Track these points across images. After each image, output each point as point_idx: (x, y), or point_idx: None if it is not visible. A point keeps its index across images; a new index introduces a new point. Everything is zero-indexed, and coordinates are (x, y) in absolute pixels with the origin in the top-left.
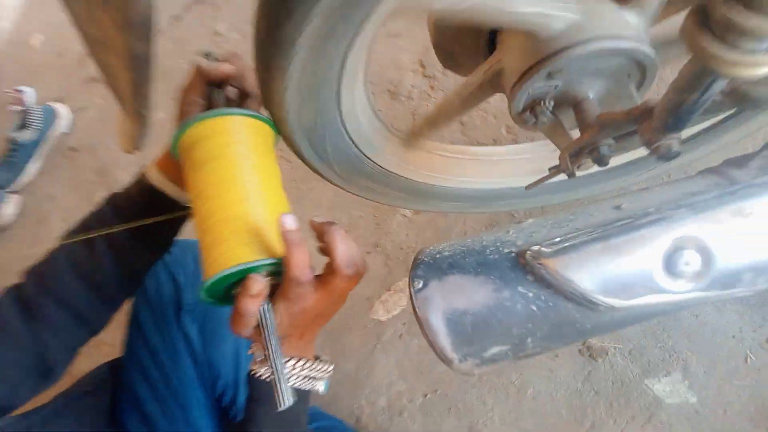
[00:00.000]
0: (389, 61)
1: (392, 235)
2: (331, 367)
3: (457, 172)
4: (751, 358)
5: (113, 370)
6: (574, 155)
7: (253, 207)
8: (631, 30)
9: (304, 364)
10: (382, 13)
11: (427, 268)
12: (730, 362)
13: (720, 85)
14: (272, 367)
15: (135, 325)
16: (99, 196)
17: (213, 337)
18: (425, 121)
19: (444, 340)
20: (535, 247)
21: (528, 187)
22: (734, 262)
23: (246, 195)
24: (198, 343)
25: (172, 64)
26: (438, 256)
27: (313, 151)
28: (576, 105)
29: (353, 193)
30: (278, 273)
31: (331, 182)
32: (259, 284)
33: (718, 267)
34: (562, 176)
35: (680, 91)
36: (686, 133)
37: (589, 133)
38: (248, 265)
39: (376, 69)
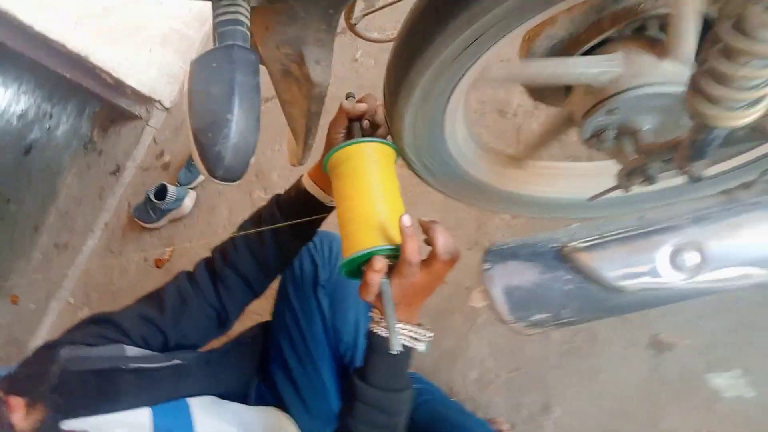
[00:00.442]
0: None
1: (491, 235)
2: (431, 334)
3: (543, 184)
4: None
5: (264, 330)
6: (628, 174)
7: (379, 208)
8: (669, 75)
9: (410, 326)
10: (466, 84)
11: (493, 255)
12: None
13: (720, 131)
14: (387, 323)
15: (282, 295)
16: (256, 192)
17: (339, 308)
18: (526, 147)
19: (502, 306)
20: (572, 243)
21: (590, 199)
22: (725, 261)
23: (374, 200)
24: (328, 312)
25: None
26: (503, 247)
27: (423, 166)
28: (633, 134)
29: (455, 198)
30: (395, 257)
31: (436, 190)
32: (381, 263)
33: (712, 265)
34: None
35: (694, 131)
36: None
37: (639, 158)
38: (375, 249)
39: (487, 90)
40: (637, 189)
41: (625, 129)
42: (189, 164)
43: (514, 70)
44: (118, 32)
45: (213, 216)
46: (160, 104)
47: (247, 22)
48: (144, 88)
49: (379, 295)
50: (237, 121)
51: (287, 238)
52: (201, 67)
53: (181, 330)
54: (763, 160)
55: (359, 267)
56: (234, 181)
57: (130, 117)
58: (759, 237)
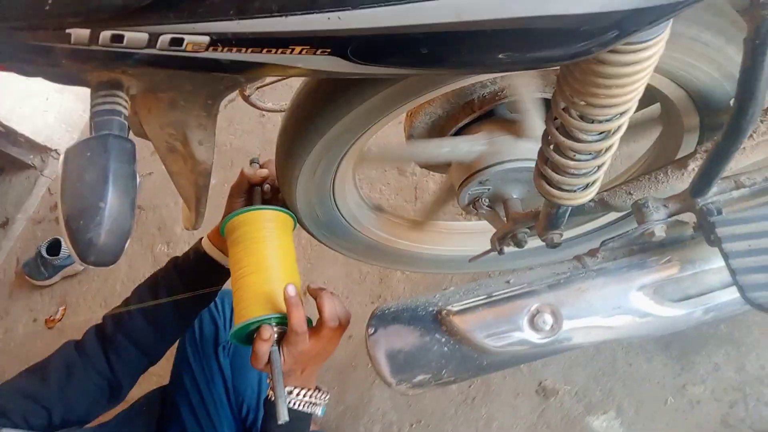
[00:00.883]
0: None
1: (392, 288)
2: (327, 396)
3: (435, 243)
4: (670, 400)
5: (162, 393)
6: (500, 239)
7: (271, 276)
8: (525, 152)
9: (305, 392)
10: (351, 159)
11: (377, 319)
12: (654, 404)
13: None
14: (274, 392)
15: (181, 357)
16: (159, 246)
17: (241, 369)
18: (421, 211)
19: (385, 369)
20: (447, 307)
21: (470, 260)
22: (575, 323)
23: (266, 268)
24: (229, 373)
25: (224, 139)
26: (386, 311)
27: (318, 231)
28: (503, 202)
29: (353, 258)
30: (285, 325)
31: (335, 251)
32: (268, 332)
33: (564, 325)
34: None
35: (546, 205)
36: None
37: (509, 224)
38: (263, 318)
39: None
40: (510, 250)
41: (496, 198)
42: None
43: (392, 151)
44: (9, 76)
45: (110, 272)
46: (57, 153)
47: (125, 111)
48: (39, 137)
49: (269, 364)
50: (110, 208)
51: (186, 303)
52: (75, 155)
53: (68, 404)
54: (606, 228)
55: (250, 336)
56: (108, 265)
57: (23, 166)
58: (602, 299)
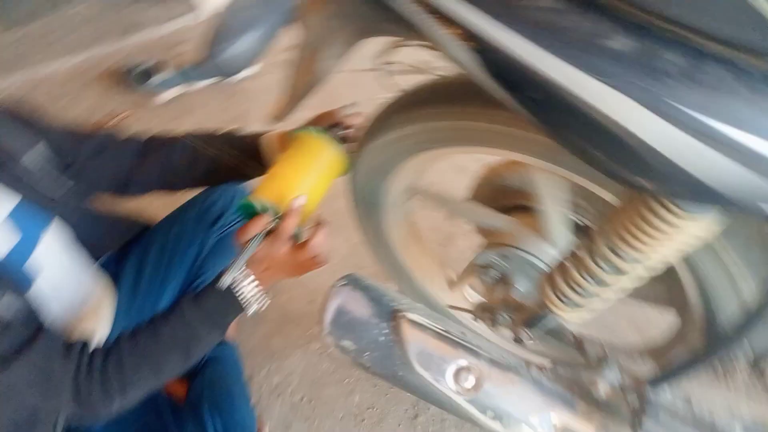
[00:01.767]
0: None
1: None
2: (267, 303)
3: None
4: None
5: (148, 226)
6: (483, 310)
7: (297, 185)
8: (542, 254)
9: (254, 285)
10: (408, 171)
11: (352, 279)
12: None
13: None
14: (233, 263)
15: (183, 209)
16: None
17: (217, 255)
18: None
19: (328, 317)
20: (406, 313)
21: (450, 306)
22: (486, 400)
23: (300, 178)
24: (206, 250)
25: (332, 89)
26: (362, 280)
27: (358, 193)
28: (506, 285)
29: (363, 237)
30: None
31: (357, 223)
32: (265, 220)
33: (477, 396)
34: None
35: (536, 305)
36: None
37: (498, 302)
38: (267, 206)
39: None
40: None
41: (504, 277)
42: (195, 67)
43: (447, 198)
44: None
45: (186, 116)
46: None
47: None
48: None
49: (247, 242)
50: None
51: (205, 170)
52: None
53: (85, 169)
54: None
55: (252, 214)
56: (228, 75)
57: None
58: (520, 400)
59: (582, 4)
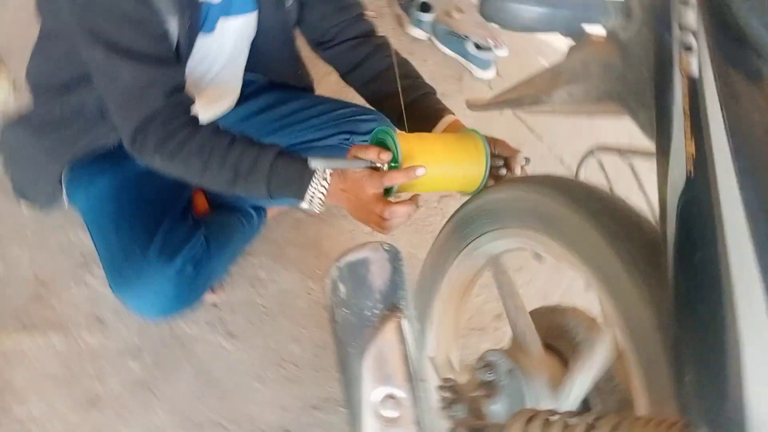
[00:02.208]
0: None
1: None
2: (317, 211)
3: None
4: None
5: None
6: (449, 387)
7: (428, 159)
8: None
9: (324, 188)
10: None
11: (394, 254)
12: None
13: None
14: (335, 158)
15: (333, 104)
16: None
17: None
18: None
19: (350, 257)
20: (402, 318)
21: (430, 357)
22: None
23: (435, 159)
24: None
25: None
26: (400, 263)
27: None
28: (493, 398)
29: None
30: (392, 167)
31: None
32: (384, 154)
33: (387, 429)
34: None
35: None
36: None
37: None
38: (396, 148)
39: None
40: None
41: (492, 386)
42: (449, 32)
43: (511, 290)
44: None
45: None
46: None
47: None
48: None
49: (357, 159)
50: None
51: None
52: None
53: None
54: None
55: (378, 143)
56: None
57: None
58: None
59: None
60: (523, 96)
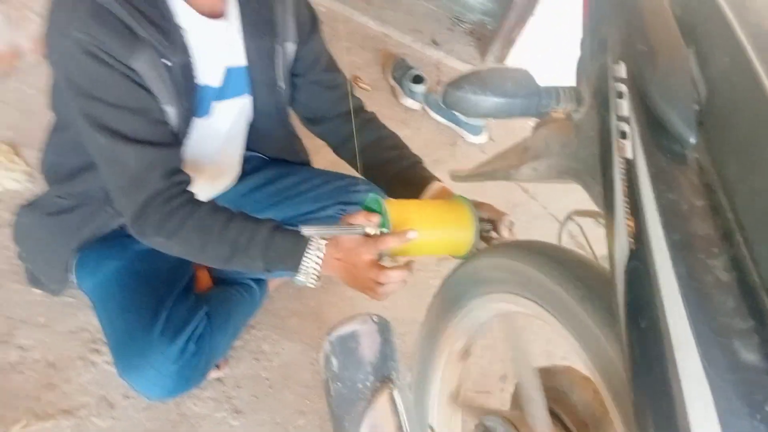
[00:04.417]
0: None
1: None
2: (312, 284)
3: None
4: None
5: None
6: None
7: (418, 224)
8: None
9: (318, 258)
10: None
11: (383, 326)
12: None
13: None
14: (327, 227)
15: (329, 176)
16: None
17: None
18: None
19: (341, 331)
20: (395, 389)
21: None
22: None
23: (425, 224)
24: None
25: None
26: (390, 334)
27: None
28: None
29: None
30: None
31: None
32: (376, 219)
33: None
34: None
35: None
36: None
37: None
38: (386, 215)
39: None
40: None
41: None
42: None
43: (519, 352)
44: None
45: (403, 128)
46: None
47: None
48: None
49: (349, 226)
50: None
51: (384, 166)
52: None
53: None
54: None
55: (369, 209)
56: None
57: None
58: None
59: None
60: (496, 170)
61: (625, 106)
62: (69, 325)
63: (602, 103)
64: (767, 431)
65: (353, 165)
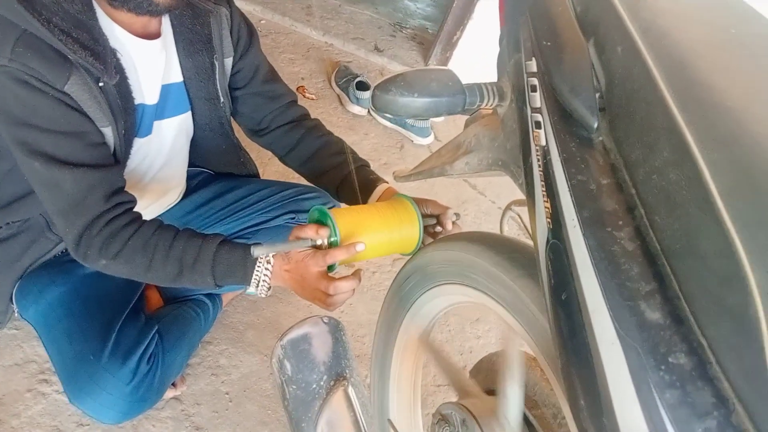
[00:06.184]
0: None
1: None
2: (263, 295)
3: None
4: None
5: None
6: None
7: (366, 232)
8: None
9: (268, 271)
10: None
11: (334, 326)
12: None
13: None
14: (274, 244)
15: (276, 187)
16: None
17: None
18: None
19: (292, 334)
20: (349, 386)
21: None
22: None
23: (372, 230)
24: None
25: (460, 192)
26: (341, 334)
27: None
28: None
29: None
30: (330, 246)
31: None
32: (325, 233)
33: None
34: None
35: None
36: None
37: None
38: (334, 226)
39: None
40: None
41: None
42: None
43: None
44: None
45: (350, 133)
46: None
47: None
48: None
49: (298, 240)
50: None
51: (331, 173)
52: None
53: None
54: None
55: (317, 223)
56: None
57: None
58: None
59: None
60: (434, 167)
61: (537, 99)
62: (15, 357)
63: (519, 96)
64: (672, 381)
65: (301, 173)
